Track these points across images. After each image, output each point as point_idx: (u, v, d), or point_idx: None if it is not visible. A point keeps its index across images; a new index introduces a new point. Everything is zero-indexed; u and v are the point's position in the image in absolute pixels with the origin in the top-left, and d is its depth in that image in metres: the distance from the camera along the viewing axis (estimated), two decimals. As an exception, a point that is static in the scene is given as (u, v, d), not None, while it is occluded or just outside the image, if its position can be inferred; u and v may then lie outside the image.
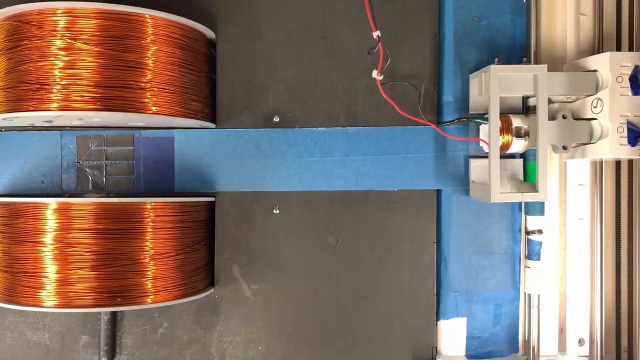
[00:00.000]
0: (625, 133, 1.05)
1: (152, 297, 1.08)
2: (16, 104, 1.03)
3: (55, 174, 1.20)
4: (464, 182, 1.21)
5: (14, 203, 1.07)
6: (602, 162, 1.18)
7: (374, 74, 1.11)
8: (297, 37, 1.22)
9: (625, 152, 1.06)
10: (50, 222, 1.03)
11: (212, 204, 1.22)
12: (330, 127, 1.22)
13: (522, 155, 1.20)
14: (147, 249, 1.07)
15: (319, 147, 1.21)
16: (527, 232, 1.21)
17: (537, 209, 1.20)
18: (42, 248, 1.03)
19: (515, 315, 1.23)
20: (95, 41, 1.02)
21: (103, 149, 1.20)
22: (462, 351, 1.23)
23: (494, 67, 1.07)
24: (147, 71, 1.06)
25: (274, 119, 1.22)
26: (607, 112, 1.06)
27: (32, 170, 1.20)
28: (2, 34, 1.07)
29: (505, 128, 1.11)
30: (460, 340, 1.23)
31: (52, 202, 1.04)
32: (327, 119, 1.22)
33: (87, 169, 1.19)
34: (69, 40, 1.01)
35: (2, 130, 1.19)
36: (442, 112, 1.22)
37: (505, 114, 1.13)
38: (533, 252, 1.20)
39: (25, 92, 1.02)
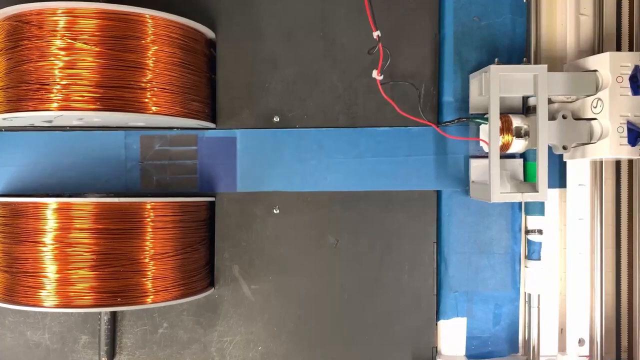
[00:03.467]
0: (625, 133, 1.05)
1: (152, 297, 1.08)
2: (16, 104, 1.03)
3: (119, 174, 1.20)
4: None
5: (15, 203, 1.07)
6: (602, 162, 1.18)
7: (374, 74, 1.11)
8: (297, 37, 1.22)
9: (625, 152, 1.06)
10: (51, 222, 1.03)
11: (212, 204, 1.22)
12: (330, 127, 1.22)
13: (522, 155, 1.20)
14: (147, 249, 1.07)
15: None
16: (527, 232, 1.21)
17: (537, 209, 1.20)
18: (42, 248, 1.03)
19: (515, 315, 1.23)
20: (95, 41, 1.02)
21: (167, 149, 1.21)
22: (462, 351, 1.23)
23: (494, 67, 1.07)
24: (147, 71, 1.06)
25: (274, 119, 1.22)
26: (607, 112, 1.06)
27: (96, 170, 1.20)
28: (2, 34, 1.07)
29: (505, 128, 1.12)
30: (460, 340, 1.23)
31: (52, 202, 1.04)
32: (327, 119, 1.22)
33: (151, 169, 1.19)
34: (69, 40, 1.01)
35: (67, 130, 1.19)
36: (442, 112, 1.22)
37: (505, 114, 1.13)
38: (533, 252, 1.20)
39: (25, 92, 1.02)
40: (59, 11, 1.01)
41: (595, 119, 1.09)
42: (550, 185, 1.10)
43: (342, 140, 1.21)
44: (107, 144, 1.20)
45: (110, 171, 1.20)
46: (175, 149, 1.21)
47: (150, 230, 1.08)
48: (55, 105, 1.01)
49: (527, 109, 1.18)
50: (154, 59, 1.06)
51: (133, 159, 1.20)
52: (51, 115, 1.04)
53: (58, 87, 1.01)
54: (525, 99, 1.18)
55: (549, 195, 1.16)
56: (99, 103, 1.02)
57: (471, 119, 1.18)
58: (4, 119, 1.07)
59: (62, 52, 1.01)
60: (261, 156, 1.21)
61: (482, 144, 1.18)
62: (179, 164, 1.21)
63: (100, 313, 1.18)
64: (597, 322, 1.17)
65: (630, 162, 1.20)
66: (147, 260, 1.07)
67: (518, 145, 1.12)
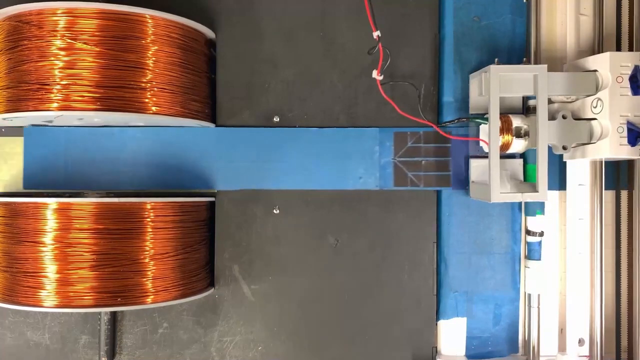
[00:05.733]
0: (625, 133, 1.05)
1: (152, 297, 1.08)
2: (16, 104, 1.03)
3: (373, 170, 1.21)
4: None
5: (14, 203, 1.07)
6: (602, 162, 1.18)
7: (374, 74, 1.11)
8: (297, 37, 1.22)
9: (625, 152, 1.06)
10: (50, 222, 1.03)
11: (212, 204, 1.22)
12: (330, 127, 1.22)
13: (522, 155, 1.20)
14: (147, 249, 1.07)
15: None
16: (527, 232, 1.21)
17: (537, 209, 1.20)
18: (42, 248, 1.03)
19: (515, 315, 1.23)
20: (95, 41, 1.02)
21: (419, 146, 1.21)
22: (462, 351, 1.23)
23: (494, 67, 1.07)
24: (147, 71, 1.06)
25: (274, 119, 1.22)
26: (607, 112, 1.06)
27: (350, 166, 1.21)
28: (2, 34, 1.07)
29: (505, 128, 1.11)
30: (460, 340, 1.23)
31: (52, 202, 1.04)
32: (327, 119, 1.22)
33: (404, 166, 1.20)
34: (69, 40, 1.01)
35: (321, 127, 1.21)
36: (442, 112, 1.22)
37: (505, 114, 1.13)
38: (533, 252, 1.20)
39: (25, 92, 1.02)
40: (59, 11, 1.01)
41: (595, 119, 1.09)
42: (550, 188, 1.10)
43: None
44: (361, 140, 1.21)
45: (364, 167, 1.21)
46: (428, 146, 1.21)
47: (150, 230, 1.08)
48: (55, 105, 1.01)
49: (527, 109, 1.18)
50: (154, 59, 1.06)
51: (386, 155, 1.21)
52: (51, 115, 1.04)
53: (58, 87, 1.01)
54: (525, 99, 1.18)
55: (549, 196, 1.16)
56: (99, 103, 1.02)
57: (471, 119, 1.18)
58: (4, 119, 1.07)
59: (62, 52, 1.01)
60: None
61: (482, 144, 1.18)
62: (432, 161, 1.21)
63: (100, 313, 1.17)
64: (597, 322, 1.17)
65: (631, 162, 1.20)
66: (147, 260, 1.07)
67: (518, 145, 1.12)
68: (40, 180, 1.19)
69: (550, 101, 1.11)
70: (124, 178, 1.19)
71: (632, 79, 1.05)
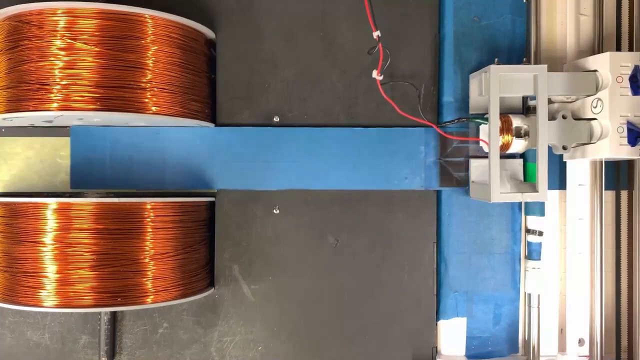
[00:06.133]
0: (625, 133, 1.05)
1: (152, 297, 1.08)
2: (16, 104, 1.03)
3: (417, 171, 1.21)
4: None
5: (14, 203, 1.07)
6: (602, 162, 1.18)
7: (374, 74, 1.11)
8: (297, 37, 1.22)
9: (625, 152, 1.06)
10: (50, 222, 1.03)
11: (212, 204, 1.22)
12: (330, 126, 1.22)
13: (522, 155, 1.20)
14: (147, 249, 1.07)
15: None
16: (527, 232, 1.21)
17: (537, 209, 1.20)
18: (42, 248, 1.03)
19: (515, 315, 1.23)
20: (95, 41, 1.02)
21: (465, 146, 1.21)
22: (462, 351, 1.23)
23: (494, 67, 1.07)
24: (147, 71, 1.06)
25: (274, 119, 1.22)
26: (607, 112, 1.06)
27: (396, 166, 1.21)
28: (2, 34, 1.07)
29: (505, 128, 1.12)
30: (460, 340, 1.23)
31: (52, 202, 1.04)
32: (327, 119, 1.22)
33: (449, 166, 1.20)
34: (69, 40, 1.01)
35: (362, 127, 1.21)
36: (442, 112, 1.22)
37: (505, 114, 1.13)
38: (533, 252, 1.20)
39: (25, 92, 1.02)
40: (59, 11, 1.01)
41: (595, 119, 1.09)
42: (550, 187, 1.10)
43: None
44: (407, 140, 1.21)
45: (409, 167, 1.21)
46: (473, 146, 1.21)
47: (150, 230, 1.08)
48: (55, 105, 1.01)
49: (527, 109, 1.18)
50: (154, 59, 1.06)
51: (431, 155, 1.21)
52: (51, 115, 1.04)
53: (58, 87, 1.01)
54: (525, 98, 1.18)
55: (549, 196, 1.16)
56: (99, 103, 1.02)
57: (471, 119, 1.18)
58: (4, 119, 1.07)
59: (62, 52, 1.01)
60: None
61: (482, 144, 1.18)
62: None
63: (100, 313, 1.18)
64: (597, 322, 1.17)
65: (631, 162, 1.20)
66: (147, 260, 1.07)
67: (518, 145, 1.12)
68: (86, 180, 1.18)
69: (550, 101, 1.11)
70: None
71: (632, 79, 1.05)
